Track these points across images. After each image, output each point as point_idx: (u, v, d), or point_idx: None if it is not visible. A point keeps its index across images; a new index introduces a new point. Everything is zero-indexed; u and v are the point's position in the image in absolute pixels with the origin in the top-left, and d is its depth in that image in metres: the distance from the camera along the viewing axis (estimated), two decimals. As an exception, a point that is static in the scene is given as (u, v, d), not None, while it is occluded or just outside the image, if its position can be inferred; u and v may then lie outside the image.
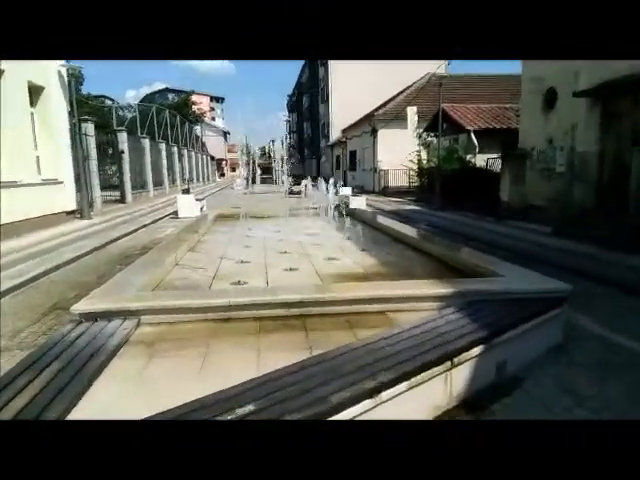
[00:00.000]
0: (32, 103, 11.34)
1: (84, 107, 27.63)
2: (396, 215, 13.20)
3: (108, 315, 3.33)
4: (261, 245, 6.97)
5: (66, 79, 12.90)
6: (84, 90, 35.74)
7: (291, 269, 5.29)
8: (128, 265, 5.66)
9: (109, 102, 32.30)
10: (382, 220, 9.66)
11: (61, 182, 12.24)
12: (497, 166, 14.87)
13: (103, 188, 18.81)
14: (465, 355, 2.78)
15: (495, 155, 15.19)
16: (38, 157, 11.58)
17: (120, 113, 32.40)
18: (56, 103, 12.31)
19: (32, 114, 11.38)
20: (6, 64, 9.48)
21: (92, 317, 3.32)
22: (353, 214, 10.15)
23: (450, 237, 8.69)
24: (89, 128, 15.59)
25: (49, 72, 11.92)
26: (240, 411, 2.00)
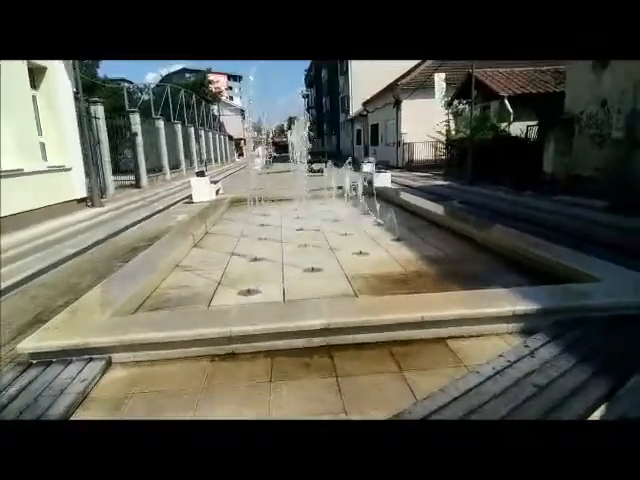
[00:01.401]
0: (34, 85, 10.53)
1: (101, 90, 26.98)
2: (425, 192, 12.07)
3: (68, 355, 2.46)
4: (277, 236, 6.05)
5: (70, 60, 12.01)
6: (102, 73, 35.13)
7: (313, 269, 4.35)
8: (127, 263, 4.88)
9: (126, 85, 31.61)
10: (412, 199, 8.63)
11: (69, 169, 11.49)
12: (534, 134, 13.50)
13: (122, 172, 18.19)
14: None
15: (534, 122, 13.77)
16: (43, 143, 10.86)
17: (137, 96, 31.63)
18: (61, 85, 11.45)
19: (34, 97, 10.59)
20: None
21: (46, 358, 2.47)
22: (379, 193, 9.12)
23: (488, 216, 7.57)
24: (98, 110, 14.76)
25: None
26: None
